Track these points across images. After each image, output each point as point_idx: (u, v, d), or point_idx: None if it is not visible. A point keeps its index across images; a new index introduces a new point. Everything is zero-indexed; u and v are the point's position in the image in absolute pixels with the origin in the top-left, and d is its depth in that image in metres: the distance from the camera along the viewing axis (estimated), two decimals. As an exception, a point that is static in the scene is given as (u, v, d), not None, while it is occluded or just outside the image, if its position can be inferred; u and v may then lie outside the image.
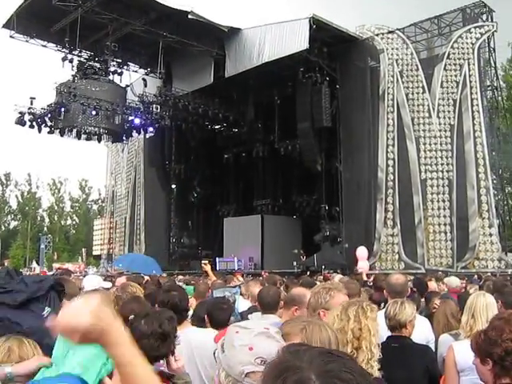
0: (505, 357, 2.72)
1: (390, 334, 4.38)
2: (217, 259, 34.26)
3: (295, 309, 4.43)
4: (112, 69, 31.27)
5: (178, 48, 29.83)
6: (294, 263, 29.62)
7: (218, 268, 32.52)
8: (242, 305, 6.89)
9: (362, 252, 25.60)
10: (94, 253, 48.28)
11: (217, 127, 39.40)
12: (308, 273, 22.67)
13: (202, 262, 15.03)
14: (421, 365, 4.30)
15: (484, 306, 4.28)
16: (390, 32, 29.76)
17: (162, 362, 3.20)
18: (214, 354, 1.90)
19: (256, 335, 1.79)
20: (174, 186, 38.57)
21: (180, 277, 18.43)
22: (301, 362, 1.13)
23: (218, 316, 4.96)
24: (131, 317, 3.35)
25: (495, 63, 30.28)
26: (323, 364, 1.12)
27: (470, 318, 4.34)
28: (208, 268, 10.69)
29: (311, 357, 1.14)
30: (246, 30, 30.24)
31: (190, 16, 27.40)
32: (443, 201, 26.77)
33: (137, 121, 31.78)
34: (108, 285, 7.21)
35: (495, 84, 30.23)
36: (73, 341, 1.41)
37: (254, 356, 1.69)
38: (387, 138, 27.78)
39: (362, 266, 23.41)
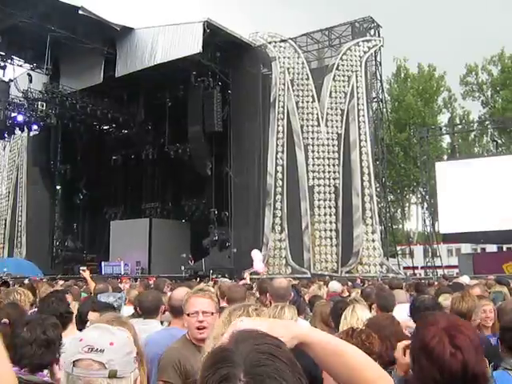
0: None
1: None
2: (102, 263, 33.43)
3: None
4: (-6, 61, 29.71)
5: (66, 44, 28.74)
6: (182, 267, 29.38)
7: (103, 272, 31.75)
8: (126, 310, 6.67)
9: (256, 254, 25.39)
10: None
11: (105, 128, 38.50)
12: (198, 279, 22.41)
13: (81, 268, 14.55)
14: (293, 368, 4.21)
15: (355, 320, 4.30)
16: (282, 41, 30.26)
17: (45, 371, 2.99)
18: None
19: (89, 329, 1.80)
20: (58, 187, 37.24)
21: (61, 282, 17.68)
22: (237, 355, 1.13)
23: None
24: (4, 320, 3.12)
25: (381, 76, 31.54)
26: (256, 364, 1.11)
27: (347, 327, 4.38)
28: (86, 274, 10.32)
29: (248, 352, 1.13)
30: (138, 30, 29.70)
31: (80, 12, 26.51)
32: (329, 207, 27.48)
33: (20, 118, 30.32)
34: None
35: (380, 96, 31.43)
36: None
37: (82, 346, 1.66)
38: (277, 145, 28.18)
39: (260, 267, 23.40)
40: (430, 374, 1.96)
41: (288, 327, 1.45)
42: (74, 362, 1.64)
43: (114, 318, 2.77)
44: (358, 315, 4.28)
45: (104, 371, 1.62)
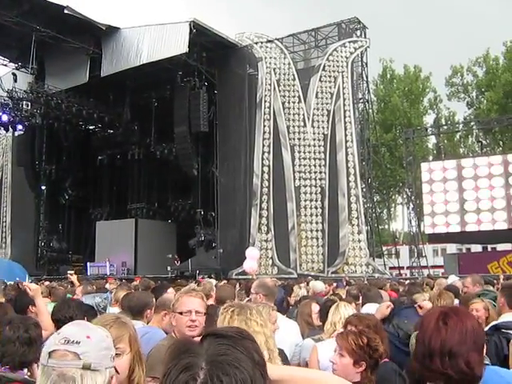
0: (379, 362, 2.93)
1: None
2: (88, 264, 33.31)
3: (164, 313, 4.37)
4: (-22, 60, 29.51)
5: (52, 43, 28.58)
6: (168, 268, 29.34)
7: (89, 273, 31.63)
8: (112, 311, 6.64)
9: (251, 252, 24.10)
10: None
11: (91, 128, 38.30)
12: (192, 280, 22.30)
13: (68, 272, 14.56)
14: None
15: (343, 317, 4.32)
16: (268, 41, 30.28)
17: (25, 370, 2.99)
18: None
19: (69, 324, 1.83)
20: (43, 188, 36.95)
21: (47, 283, 17.56)
22: (199, 347, 1.19)
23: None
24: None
25: (367, 77, 31.69)
26: (217, 353, 1.16)
27: (331, 325, 4.40)
28: (74, 278, 10.31)
29: (210, 344, 1.19)
30: (124, 30, 29.61)
31: (66, 11, 26.39)
32: (315, 208, 27.53)
33: (4, 117, 30.01)
34: None
35: (366, 97, 31.59)
36: None
37: (59, 338, 1.68)
38: (263, 145, 28.19)
39: (250, 266, 22.87)
40: (419, 346, 1.98)
41: None
42: (49, 353, 1.65)
43: (113, 318, 2.74)
44: (341, 313, 4.32)
45: (78, 362, 1.63)
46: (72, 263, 35.93)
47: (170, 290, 4.57)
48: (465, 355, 1.83)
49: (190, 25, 26.52)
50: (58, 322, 4.07)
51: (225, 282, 13.26)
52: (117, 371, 1.90)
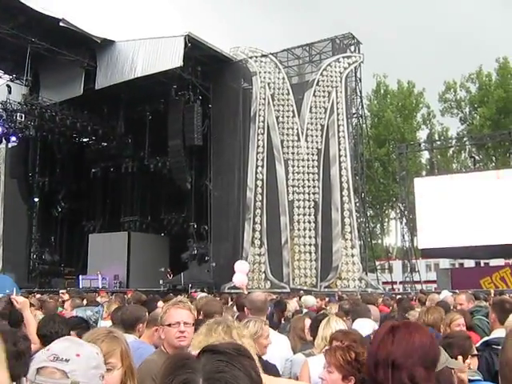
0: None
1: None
2: (80, 277, 33.11)
3: (155, 329, 4.32)
4: (-28, 73, 29.49)
5: (47, 56, 28.56)
6: (161, 281, 29.24)
7: (81, 286, 31.42)
8: (103, 324, 6.59)
9: (240, 265, 24.31)
10: None
11: (85, 140, 38.18)
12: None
13: (61, 291, 14.64)
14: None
15: (329, 332, 4.31)
16: (263, 56, 30.43)
17: None
18: None
19: (60, 340, 1.81)
20: (36, 200, 36.79)
21: (38, 295, 17.44)
22: (197, 362, 1.17)
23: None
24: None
25: (361, 92, 31.79)
26: (215, 371, 1.14)
27: (322, 340, 4.38)
28: (66, 297, 10.42)
29: (208, 360, 1.18)
30: (119, 43, 29.66)
31: (61, 24, 26.45)
32: (309, 222, 27.53)
33: (-2, 129, 30.05)
34: None
35: (360, 112, 31.70)
36: None
37: (48, 354, 1.68)
38: (257, 159, 28.23)
39: (239, 280, 22.76)
40: (368, 358, 2.00)
41: None
42: (37, 369, 1.64)
43: (105, 333, 2.73)
44: (332, 328, 4.30)
45: (66, 380, 1.62)
46: (64, 276, 35.76)
47: (160, 304, 4.54)
48: (409, 368, 1.81)
49: (184, 39, 26.59)
50: (44, 337, 4.03)
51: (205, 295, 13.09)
52: None
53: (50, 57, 28.76)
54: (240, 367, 1.18)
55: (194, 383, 1.13)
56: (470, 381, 3.37)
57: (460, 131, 48.60)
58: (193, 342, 3.12)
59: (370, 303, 8.35)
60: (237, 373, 1.16)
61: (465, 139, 43.13)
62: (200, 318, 5.23)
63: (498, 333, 4.49)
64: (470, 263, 39.33)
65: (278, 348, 4.72)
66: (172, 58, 27.05)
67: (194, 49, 27.16)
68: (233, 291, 20.95)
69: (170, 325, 3.60)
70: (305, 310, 9.04)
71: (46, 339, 3.78)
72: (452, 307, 7.67)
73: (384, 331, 2.00)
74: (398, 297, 15.27)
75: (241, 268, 23.12)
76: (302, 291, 19.38)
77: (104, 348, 2.56)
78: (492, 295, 11.96)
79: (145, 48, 28.61)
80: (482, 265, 36.90)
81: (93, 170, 38.23)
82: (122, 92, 30.98)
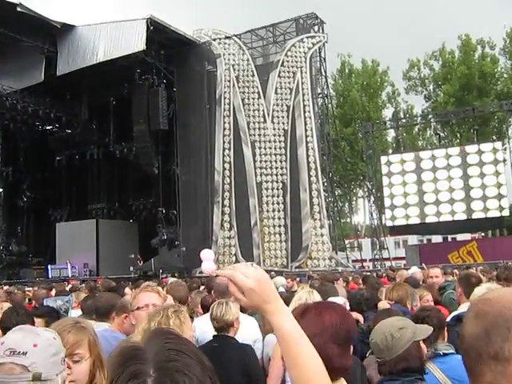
0: None
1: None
2: (49, 266, 32.78)
3: (125, 316, 4.28)
4: None
5: (5, 42, 27.86)
6: (131, 268, 29.08)
7: (50, 275, 31.13)
8: (74, 314, 6.54)
9: (205, 253, 24.77)
10: None
11: (48, 128, 37.62)
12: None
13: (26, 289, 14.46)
14: (238, 363, 4.25)
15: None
16: (227, 37, 30.21)
17: None
18: None
19: (13, 331, 1.76)
20: (0, 190, 36.14)
21: (6, 287, 17.18)
22: (147, 353, 1.13)
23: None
24: None
25: (326, 72, 31.80)
26: (165, 360, 1.11)
27: None
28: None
29: (158, 349, 1.13)
30: (80, 28, 29.07)
31: (18, 9, 25.78)
32: (277, 203, 27.60)
33: (-42, 119, 29.36)
34: None
35: (325, 92, 31.73)
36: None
37: (3, 349, 1.62)
38: (223, 142, 28.12)
39: (207, 267, 22.87)
40: None
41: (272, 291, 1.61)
42: None
43: (72, 323, 2.65)
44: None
45: (27, 374, 1.56)
46: (32, 266, 35.31)
47: (127, 291, 4.47)
48: (322, 347, 1.82)
49: (147, 22, 26.21)
50: (6, 329, 3.93)
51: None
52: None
53: (8, 43, 28.00)
54: (191, 355, 1.15)
55: (145, 374, 1.09)
56: (444, 354, 3.40)
57: (425, 109, 49.04)
58: (138, 329, 3.12)
59: (328, 281, 8.47)
60: (188, 361, 1.13)
61: (430, 116, 43.51)
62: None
63: (466, 307, 4.52)
64: (437, 239, 39.90)
65: (247, 330, 4.72)
66: (134, 41, 26.65)
67: (157, 32, 26.80)
68: (203, 275, 20.89)
69: (138, 308, 3.59)
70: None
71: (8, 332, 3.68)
72: (422, 282, 7.75)
73: (295, 314, 2.02)
74: (365, 274, 15.40)
75: (206, 256, 23.18)
76: (273, 272, 19.41)
77: (71, 339, 2.50)
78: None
79: (106, 32, 28.12)
80: (450, 240, 37.46)
81: (57, 158, 37.65)
82: (85, 78, 30.47)
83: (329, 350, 1.94)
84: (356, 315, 4.93)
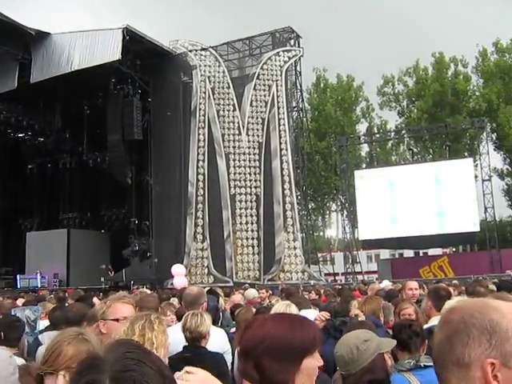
0: None
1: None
2: (18, 276, 32.17)
3: (96, 325, 4.18)
4: None
5: (-23, 48, 27.58)
6: (102, 279, 28.76)
7: (19, 286, 30.58)
8: (42, 324, 6.47)
9: (176, 269, 24.60)
10: None
11: (20, 135, 37.07)
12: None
13: None
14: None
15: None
16: (203, 49, 30.24)
17: None
18: None
19: None
20: (-31, 198, 35.54)
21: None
22: (104, 362, 1.11)
23: (9, 334, 4.75)
24: None
25: (301, 86, 32.02)
26: (122, 370, 1.09)
27: None
28: None
29: (116, 359, 1.12)
30: (55, 35, 28.79)
31: (-9, 14, 25.53)
32: (251, 215, 27.56)
33: None
34: None
35: (300, 106, 31.92)
36: None
37: None
38: (198, 153, 28.05)
39: (179, 282, 22.74)
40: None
41: None
42: None
43: (73, 335, 2.56)
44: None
45: None
46: (1, 276, 34.70)
47: (95, 300, 4.40)
48: (256, 359, 1.83)
49: (122, 31, 26.07)
50: None
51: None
52: None
53: (-19, 50, 27.74)
54: (150, 364, 1.12)
55: (100, 383, 1.06)
56: (425, 366, 3.42)
57: (398, 124, 49.60)
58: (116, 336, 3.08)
59: (290, 294, 8.51)
60: (147, 370, 1.10)
61: (403, 132, 43.98)
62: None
63: (436, 320, 4.54)
64: (409, 253, 40.24)
65: (215, 340, 4.68)
66: (110, 51, 26.46)
67: (133, 42, 26.66)
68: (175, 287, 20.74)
69: (117, 320, 3.54)
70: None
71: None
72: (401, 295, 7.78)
73: (245, 325, 2.04)
74: (339, 287, 15.46)
75: (178, 271, 23.26)
76: (246, 285, 19.36)
77: (70, 351, 2.41)
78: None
79: (82, 41, 27.89)
80: (421, 254, 37.79)
81: (29, 166, 37.12)
82: (59, 86, 30.13)
83: (261, 362, 1.85)
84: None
